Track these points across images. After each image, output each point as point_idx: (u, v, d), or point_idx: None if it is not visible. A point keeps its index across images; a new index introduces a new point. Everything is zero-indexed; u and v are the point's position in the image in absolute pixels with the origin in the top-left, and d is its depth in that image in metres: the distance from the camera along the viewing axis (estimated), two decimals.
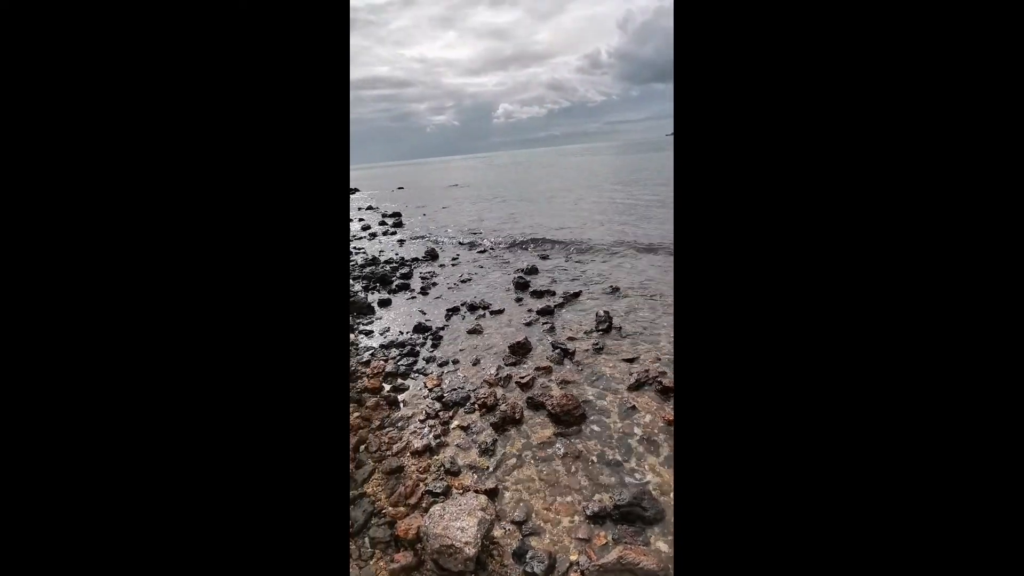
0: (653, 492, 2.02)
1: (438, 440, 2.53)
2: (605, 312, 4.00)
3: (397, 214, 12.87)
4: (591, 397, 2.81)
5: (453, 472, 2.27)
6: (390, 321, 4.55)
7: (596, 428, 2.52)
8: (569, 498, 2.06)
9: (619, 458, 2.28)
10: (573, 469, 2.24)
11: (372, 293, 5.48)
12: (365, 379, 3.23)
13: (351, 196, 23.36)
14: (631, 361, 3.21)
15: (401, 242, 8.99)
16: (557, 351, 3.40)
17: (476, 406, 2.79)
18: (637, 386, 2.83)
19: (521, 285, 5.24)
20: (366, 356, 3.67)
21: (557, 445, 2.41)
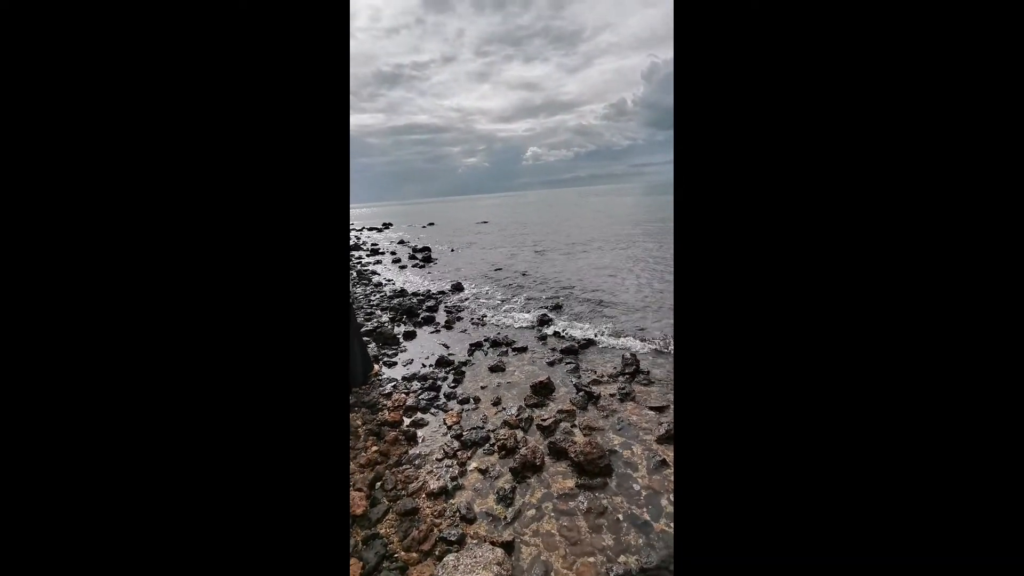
0: None
1: (455, 482, 2.43)
2: (632, 355, 3.86)
3: (426, 248, 13.32)
4: (617, 447, 2.65)
5: (468, 519, 2.16)
6: (414, 353, 4.58)
7: (622, 482, 2.35)
8: (592, 558, 1.90)
9: (647, 517, 2.10)
10: (597, 526, 2.08)
11: (398, 325, 5.58)
12: (386, 412, 3.21)
13: (385, 230, 24.51)
14: (660, 410, 3.04)
15: (429, 275, 9.23)
16: (581, 394, 3.28)
17: (495, 448, 2.69)
18: (668, 438, 2.66)
19: (545, 322, 5.20)
20: (388, 388, 3.67)
21: (580, 498, 2.26)
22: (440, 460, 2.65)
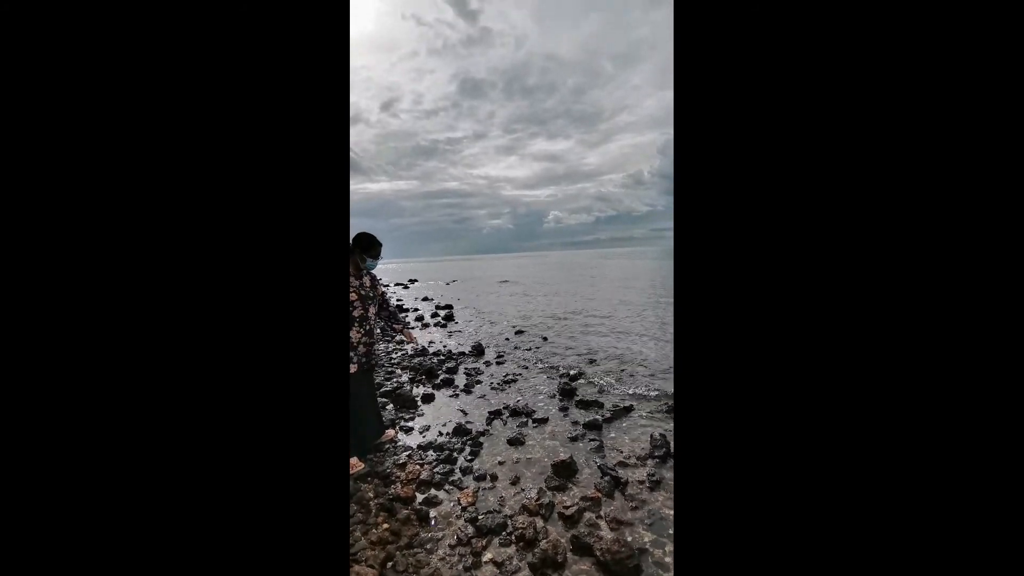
0: None
1: (468, 575, 2.22)
2: (661, 435, 3.62)
3: (449, 306, 13.56)
4: (648, 544, 2.39)
5: None
6: (431, 419, 4.46)
7: None
8: None
9: None
10: None
11: (417, 386, 5.52)
12: (399, 485, 3.07)
13: (411, 286, 25.33)
14: None
15: (450, 335, 9.28)
16: (607, 478, 3.05)
17: (513, 537, 2.48)
18: None
19: (567, 392, 5.02)
20: (403, 457, 3.54)
21: None
22: (453, 548, 2.45)
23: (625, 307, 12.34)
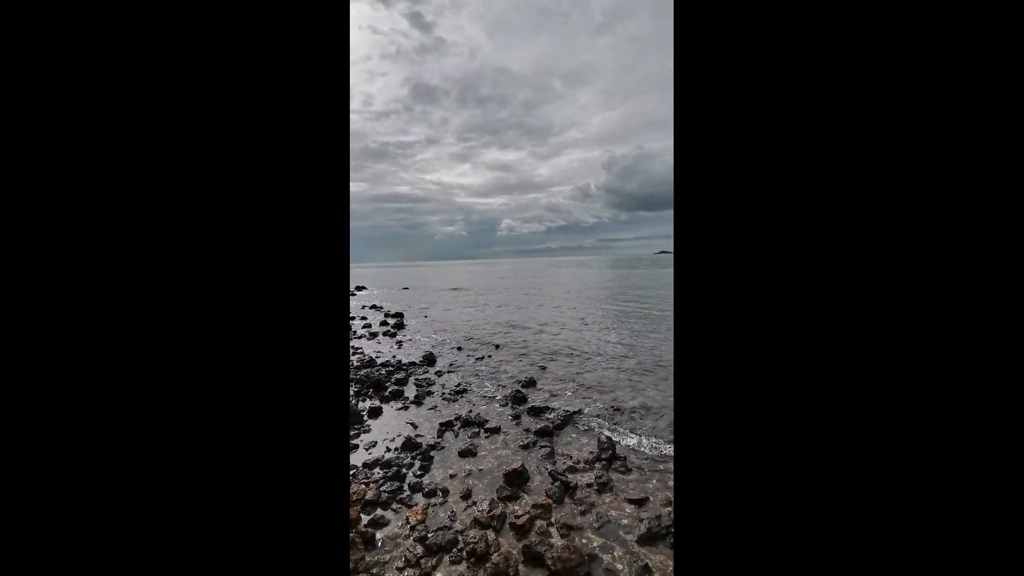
0: None
1: None
2: (607, 438, 3.76)
3: (399, 315, 13.10)
4: (596, 549, 2.45)
5: None
6: (378, 434, 4.25)
7: None
8: None
9: None
10: None
11: (364, 400, 5.24)
12: None
13: (358, 293, 24.12)
14: (639, 504, 2.89)
15: (400, 344, 8.95)
16: (557, 484, 3.10)
17: (464, 553, 2.42)
18: (650, 538, 2.50)
19: (519, 399, 5.05)
20: None
21: None
22: (401, 570, 2.33)
23: (575, 313, 12.74)
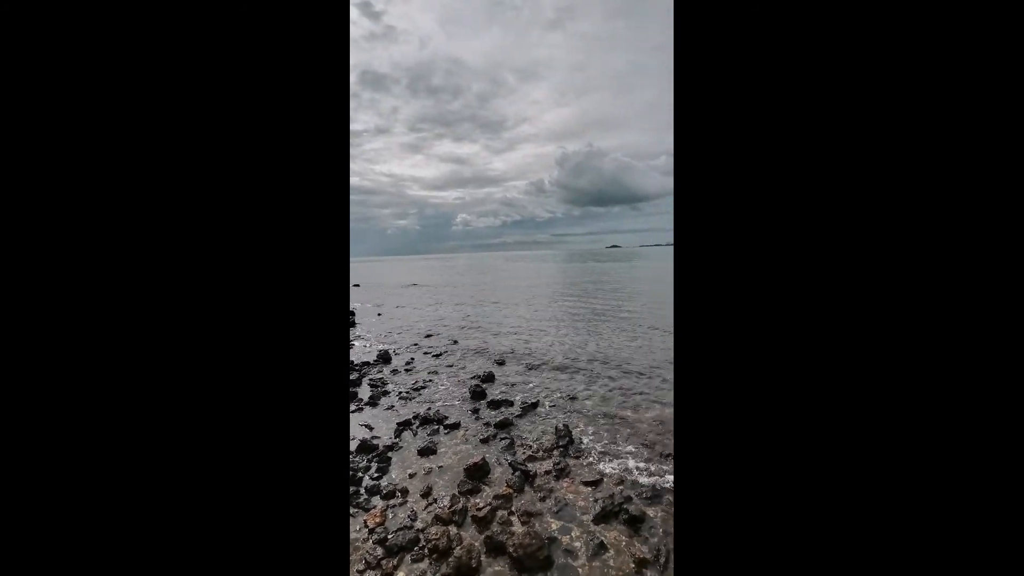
0: None
1: None
2: (564, 426, 3.91)
3: (351, 312, 12.53)
4: (556, 532, 2.56)
5: None
6: None
7: (563, 574, 2.24)
8: None
9: None
10: None
11: None
12: None
13: None
14: (593, 485, 3.05)
15: (353, 344, 8.58)
16: (517, 474, 3.17)
17: (426, 551, 2.41)
18: (604, 516, 2.65)
19: (478, 394, 5.07)
20: None
21: None
22: (362, 573, 2.28)
23: (530, 306, 12.96)
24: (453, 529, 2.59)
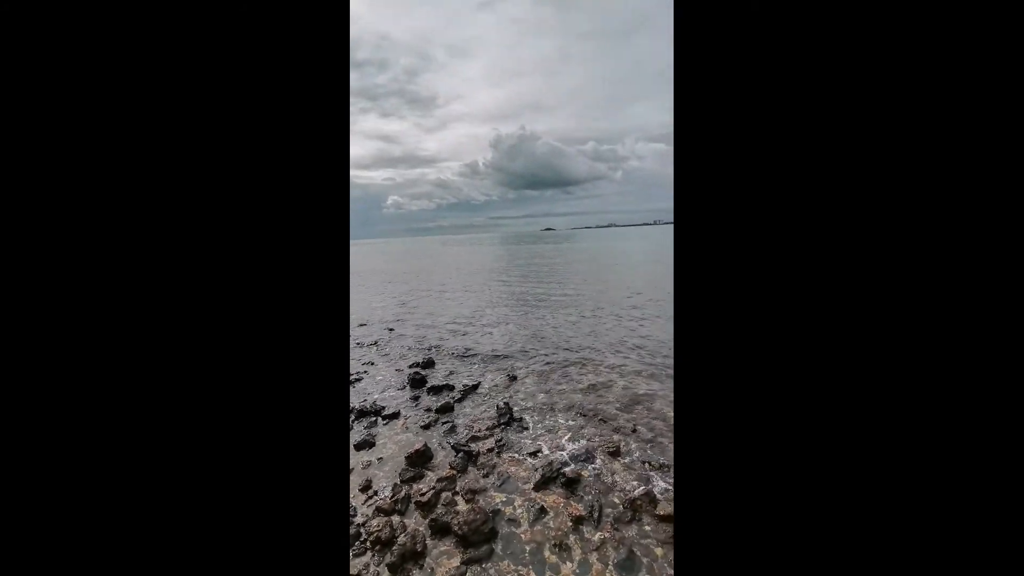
0: None
1: None
2: (504, 403, 4.01)
3: None
4: (500, 505, 2.65)
5: None
6: None
7: (507, 543, 2.34)
8: None
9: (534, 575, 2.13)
10: None
11: None
12: None
13: None
14: (534, 455, 3.20)
15: None
16: (460, 455, 3.20)
17: (368, 544, 2.35)
18: (543, 483, 2.80)
19: (417, 381, 4.97)
20: None
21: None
22: None
23: (467, 290, 12.90)
24: (396, 518, 2.55)
